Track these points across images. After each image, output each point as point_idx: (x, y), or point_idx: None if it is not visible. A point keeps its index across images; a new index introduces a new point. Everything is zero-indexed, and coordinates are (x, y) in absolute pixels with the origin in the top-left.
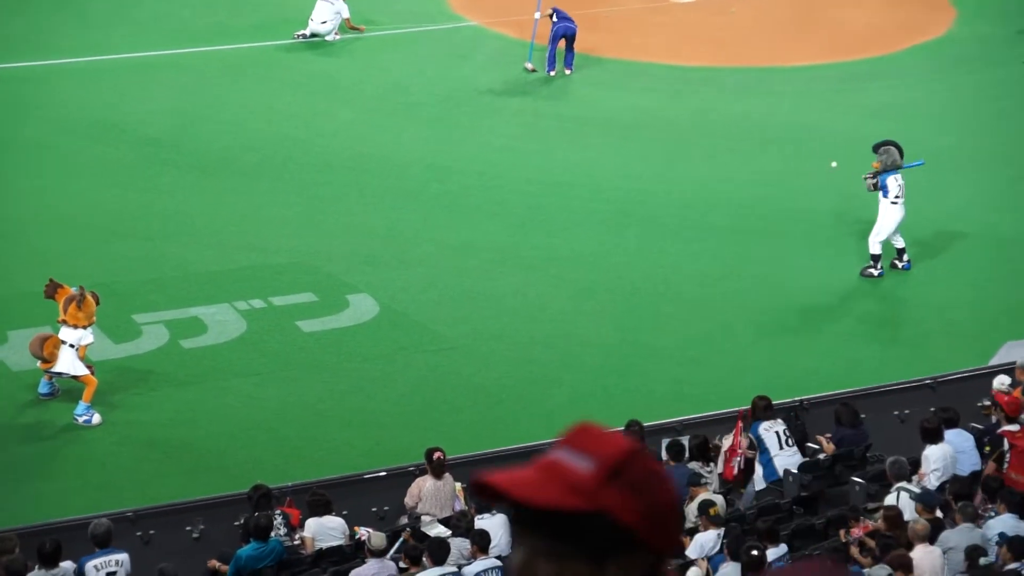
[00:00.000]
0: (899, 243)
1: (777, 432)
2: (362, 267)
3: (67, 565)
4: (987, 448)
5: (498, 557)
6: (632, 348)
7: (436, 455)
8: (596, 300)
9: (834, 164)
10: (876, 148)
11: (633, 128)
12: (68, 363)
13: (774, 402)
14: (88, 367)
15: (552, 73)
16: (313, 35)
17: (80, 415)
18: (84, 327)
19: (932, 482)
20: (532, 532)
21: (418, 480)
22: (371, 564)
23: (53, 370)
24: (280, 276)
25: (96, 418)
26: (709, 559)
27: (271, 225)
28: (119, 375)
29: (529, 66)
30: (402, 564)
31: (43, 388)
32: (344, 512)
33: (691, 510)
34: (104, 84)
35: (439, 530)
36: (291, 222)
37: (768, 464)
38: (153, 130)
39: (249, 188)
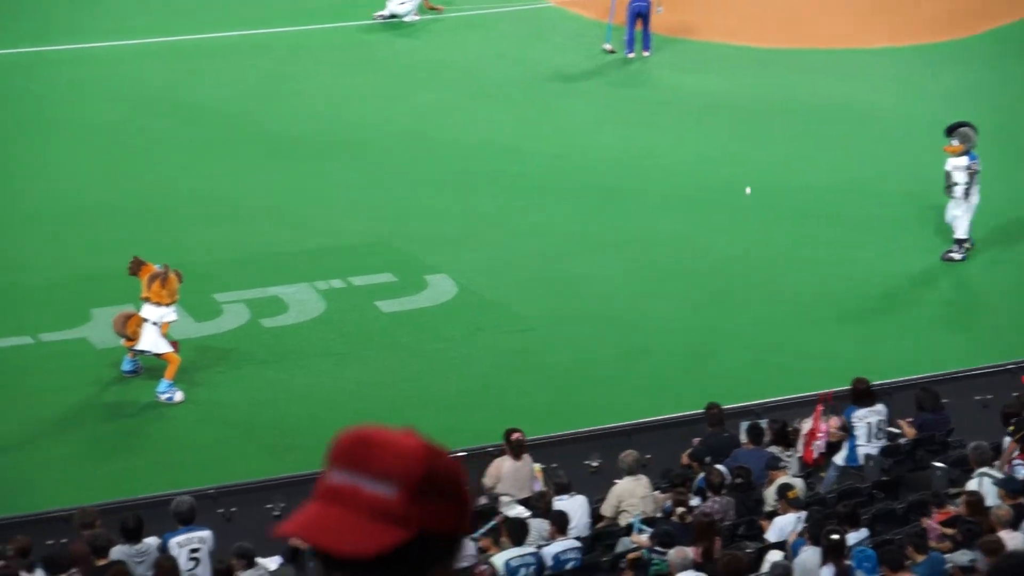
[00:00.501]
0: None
1: (870, 423)
2: (440, 248)
3: (151, 541)
4: None
5: (577, 538)
6: (710, 331)
7: (515, 436)
8: (673, 283)
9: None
10: (951, 131)
11: (709, 110)
12: (151, 341)
13: (850, 387)
14: (172, 344)
15: (631, 55)
16: (392, 16)
17: (162, 392)
18: (167, 305)
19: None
20: (345, 569)
21: (497, 461)
22: None
23: (136, 348)
24: (359, 256)
25: (178, 396)
26: (789, 543)
27: (350, 206)
28: (200, 354)
29: (608, 47)
30: (480, 544)
31: (126, 366)
32: None
33: (770, 493)
34: (182, 65)
35: (518, 511)
36: (370, 203)
37: (852, 451)
38: (231, 110)
39: (328, 169)
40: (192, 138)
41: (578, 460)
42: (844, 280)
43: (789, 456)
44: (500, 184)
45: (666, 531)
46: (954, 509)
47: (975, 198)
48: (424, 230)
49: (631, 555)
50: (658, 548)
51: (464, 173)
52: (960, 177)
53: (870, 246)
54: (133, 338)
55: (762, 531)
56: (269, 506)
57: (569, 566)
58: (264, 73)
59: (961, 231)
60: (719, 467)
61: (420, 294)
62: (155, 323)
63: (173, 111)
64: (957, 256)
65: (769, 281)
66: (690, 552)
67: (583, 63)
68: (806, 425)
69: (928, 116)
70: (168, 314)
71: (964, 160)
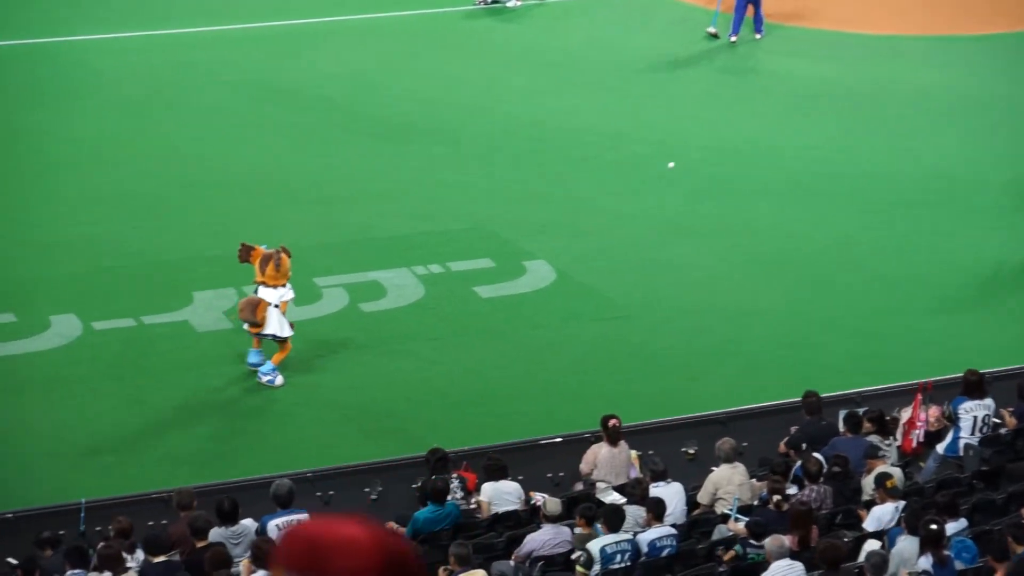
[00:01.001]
0: None
1: (976, 417)
2: (538, 234)
3: (247, 523)
4: None
5: (673, 525)
6: (808, 319)
7: (611, 422)
8: (771, 270)
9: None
10: None
11: (814, 98)
12: (276, 325)
13: (950, 376)
14: (290, 324)
15: (734, 39)
16: (495, 1)
17: (265, 374)
18: (283, 284)
19: None
20: None
21: (593, 447)
22: (546, 529)
23: (263, 332)
24: (458, 242)
25: (279, 380)
26: (886, 532)
27: (449, 191)
28: (299, 337)
29: (712, 30)
30: (577, 529)
31: (254, 358)
32: (520, 477)
33: (868, 483)
34: (282, 48)
35: (614, 497)
36: (469, 188)
37: (954, 441)
38: (332, 95)
39: (427, 154)
40: (294, 122)
41: (675, 447)
42: (945, 268)
43: (888, 445)
44: (598, 170)
45: (757, 522)
46: None
47: None
48: (523, 216)
49: (726, 556)
50: (752, 542)
51: (564, 159)
52: None
53: (973, 233)
54: (261, 324)
55: (860, 520)
56: (366, 490)
57: (665, 553)
58: (366, 58)
59: None
60: (816, 455)
61: (518, 280)
62: (276, 305)
63: (275, 95)
64: None
65: (869, 268)
66: (786, 540)
67: (686, 49)
68: (905, 414)
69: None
70: (286, 293)
71: None
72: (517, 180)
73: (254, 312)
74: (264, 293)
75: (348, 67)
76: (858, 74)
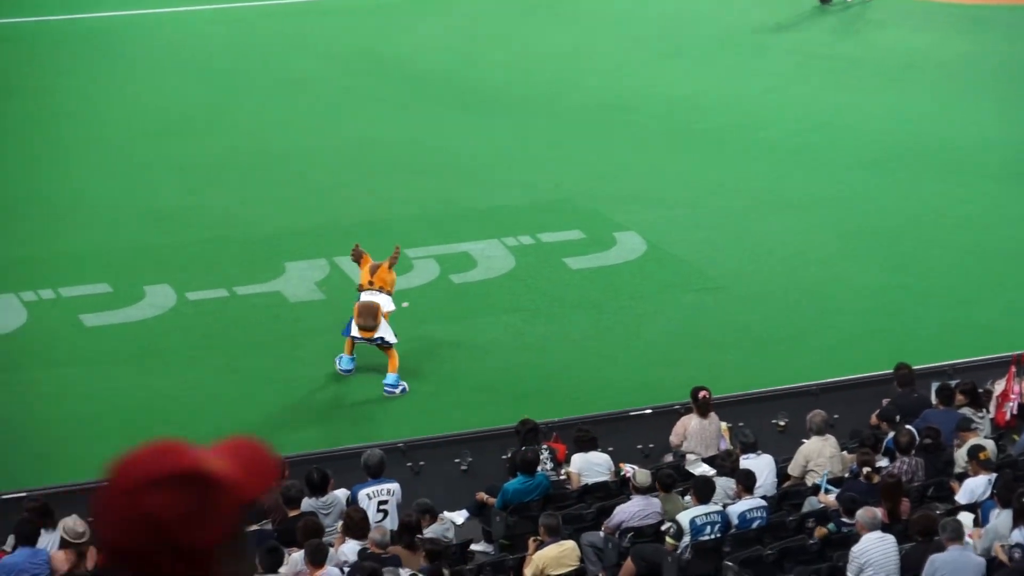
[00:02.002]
0: None
1: None
2: (629, 205)
3: (338, 493)
4: None
5: (763, 497)
6: (899, 291)
7: (701, 394)
8: (862, 242)
9: (405, 304)
10: None
11: (904, 68)
12: (386, 329)
13: None
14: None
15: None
16: None
17: (392, 386)
18: (388, 293)
19: None
20: None
21: (683, 419)
22: (636, 501)
23: (375, 337)
24: (548, 213)
25: (405, 385)
26: (979, 504)
27: (539, 162)
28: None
29: None
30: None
31: (346, 364)
32: (609, 449)
33: (960, 455)
34: (376, 20)
35: (703, 469)
36: (559, 160)
37: None
38: (424, 66)
39: (518, 125)
40: (388, 93)
41: (765, 419)
42: None
43: (981, 417)
44: (688, 142)
45: (852, 498)
46: None
47: None
48: (614, 187)
49: (818, 533)
50: (845, 519)
51: (653, 130)
52: None
53: None
54: (377, 327)
55: (952, 493)
56: (457, 460)
57: (755, 525)
58: (456, 29)
59: None
60: (908, 427)
61: (609, 251)
62: (385, 311)
63: (365, 65)
64: None
65: (962, 240)
66: (879, 512)
67: (777, 19)
68: (999, 387)
69: None
70: (388, 304)
71: None
72: (608, 151)
73: (375, 316)
74: (379, 298)
75: (439, 38)
76: (950, 45)
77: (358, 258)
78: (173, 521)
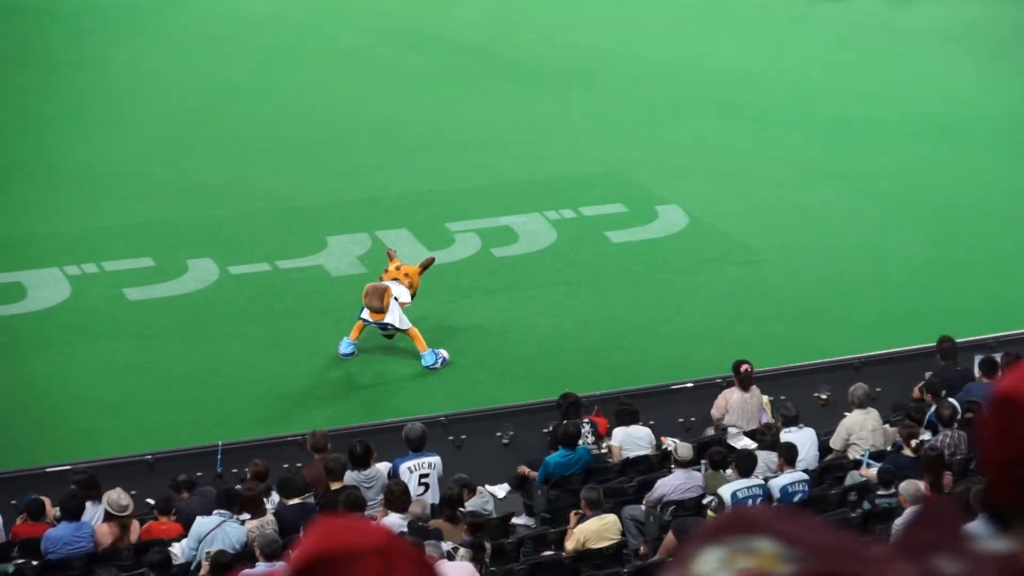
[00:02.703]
0: None
1: None
2: (671, 178)
3: (381, 467)
4: None
5: (805, 471)
6: (944, 263)
7: (743, 367)
8: (907, 214)
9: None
10: None
11: (951, 39)
12: (396, 315)
13: None
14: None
15: None
16: None
17: (430, 364)
18: (408, 285)
19: None
20: None
21: (725, 392)
22: (678, 474)
23: (384, 321)
24: (590, 186)
25: (445, 354)
26: None
27: (582, 135)
28: (432, 282)
29: None
30: (707, 471)
31: (346, 348)
32: (651, 422)
33: None
34: None
35: (745, 442)
36: (601, 132)
37: None
38: (467, 39)
39: (560, 98)
40: (426, 66)
41: (807, 392)
42: None
43: None
44: (732, 113)
45: (888, 470)
46: None
47: None
48: (655, 160)
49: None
50: (881, 491)
51: (696, 102)
52: None
53: None
54: (385, 310)
55: None
56: (498, 434)
57: (797, 498)
58: (500, 1)
59: None
60: (951, 400)
61: (650, 225)
62: (398, 299)
63: (408, 39)
64: None
65: (1007, 212)
66: (922, 485)
67: None
68: None
69: None
70: (406, 296)
71: None
72: (649, 123)
73: (381, 298)
74: (394, 287)
75: (482, 10)
76: (998, 14)
77: (389, 260)
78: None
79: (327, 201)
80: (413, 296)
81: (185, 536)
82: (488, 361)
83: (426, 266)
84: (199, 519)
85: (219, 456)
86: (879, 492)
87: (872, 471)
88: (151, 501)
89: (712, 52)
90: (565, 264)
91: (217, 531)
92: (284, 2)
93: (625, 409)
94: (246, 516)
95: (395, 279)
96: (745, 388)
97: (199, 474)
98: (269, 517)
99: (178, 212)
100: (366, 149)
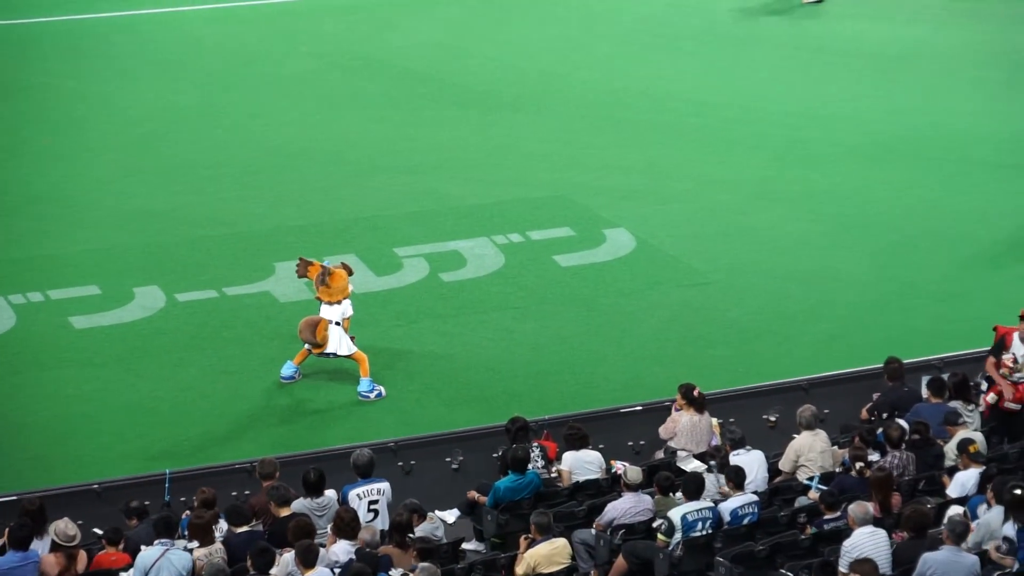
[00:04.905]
0: None
1: None
2: (619, 202)
3: (330, 494)
4: None
5: (755, 492)
6: (891, 284)
7: (696, 391)
8: (854, 236)
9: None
10: None
11: (898, 60)
12: (336, 343)
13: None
14: (351, 338)
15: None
16: None
17: (366, 392)
18: (338, 301)
19: None
20: None
21: (674, 415)
22: (627, 498)
23: (325, 352)
24: (538, 210)
25: (381, 389)
26: (967, 499)
27: (530, 159)
28: (380, 307)
29: None
30: (656, 495)
31: (288, 371)
32: (600, 446)
33: (950, 449)
34: (367, 18)
35: (694, 465)
36: (549, 156)
37: None
38: (415, 64)
39: (508, 122)
40: (374, 91)
41: (756, 414)
42: None
43: (971, 411)
44: (681, 136)
45: (830, 492)
46: None
47: None
48: (603, 183)
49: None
50: (827, 516)
51: (645, 126)
52: None
53: None
54: (322, 343)
55: (943, 486)
56: (448, 459)
57: (746, 521)
58: (448, 26)
59: None
60: (899, 421)
61: (598, 248)
62: (338, 323)
63: (356, 64)
64: None
65: (953, 232)
66: (871, 507)
67: (767, 12)
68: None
69: None
70: (346, 310)
71: None
72: (598, 148)
73: (314, 332)
74: (325, 310)
75: (431, 35)
76: (940, 36)
77: (304, 270)
78: None
79: (275, 227)
80: (348, 297)
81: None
82: (437, 386)
83: (347, 267)
84: (143, 551)
85: (167, 484)
86: (825, 516)
87: (819, 495)
88: (99, 531)
89: (660, 76)
90: (513, 288)
91: (161, 561)
92: (231, 28)
93: (575, 434)
94: (194, 544)
95: (329, 300)
96: (699, 411)
97: (147, 502)
98: (217, 545)
99: (124, 239)
100: (314, 174)
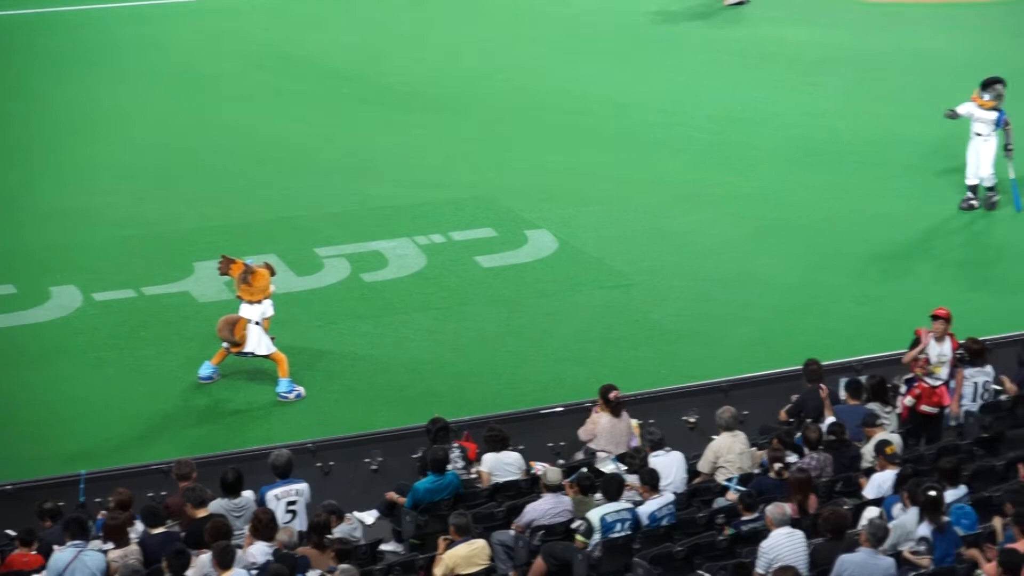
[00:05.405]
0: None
1: (977, 383)
2: (541, 203)
3: (248, 495)
4: None
5: (674, 493)
6: (812, 286)
7: (613, 394)
8: (777, 238)
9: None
10: (990, 84)
11: (818, 64)
12: (255, 342)
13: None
14: (271, 338)
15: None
16: None
17: (285, 392)
18: (259, 301)
19: None
20: None
21: (594, 416)
22: (547, 499)
23: (244, 351)
24: (460, 211)
25: (300, 389)
26: (884, 499)
27: (452, 160)
28: (301, 307)
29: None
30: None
31: (205, 371)
32: (520, 447)
33: (868, 450)
34: (290, 18)
35: (613, 467)
36: (472, 157)
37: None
38: (338, 64)
39: (431, 123)
40: (297, 91)
41: (676, 416)
42: (951, 236)
43: (888, 412)
44: (603, 138)
45: (748, 493)
46: None
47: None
48: (525, 184)
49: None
50: (744, 516)
51: (567, 127)
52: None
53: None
54: (241, 342)
55: (860, 488)
56: (367, 460)
57: (665, 522)
58: (372, 26)
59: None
60: (817, 423)
61: (520, 249)
62: (257, 323)
63: (279, 64)
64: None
65: (873, 238)
66: (788, 508)
67: (691, 15)
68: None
69: None
70: (266, 310)
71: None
72: (520, 149)
73: (232, 331)
74: (245, 309)
75: (354, 35)
76: (859, 41)
77: (226, 268)
78: None
79: (194, 226)
80: (269, 297)
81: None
82: (357, 386)
83: (270, 266)
84: (55, 553)
85: (82, 485)
86: (743, 518)
87: (737, 496)
88: (12, 532)
89: (583, 78)
90: (435, 289)
91: (75, 563)
92: (152, 27)
93: (495, 435)
94: (109, 545)
95: (250, 300)
96: (616, 414)
97: (62, 503)
98: (133, 547)
99: (41, 238)
100: (234, 174)
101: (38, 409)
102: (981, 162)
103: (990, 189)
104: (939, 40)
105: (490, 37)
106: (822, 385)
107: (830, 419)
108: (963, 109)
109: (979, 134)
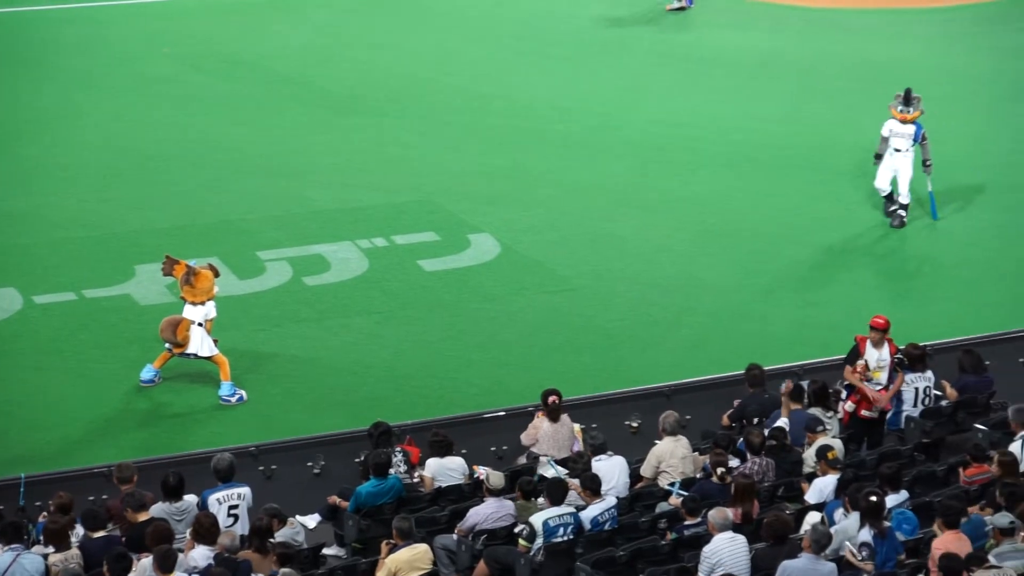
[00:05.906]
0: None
1: (917, 388)
2: (484, 207)
3: (192, 499)
4: None
5: (617, 497)
6: (752, 291)
7: (551, 399)
8: (717, 243)
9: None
10: (911, 97)
11: (758, 69)
12: (198, 343)
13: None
14: (214, 340)
15: (676, 6)
16: None
17: (228, 395)
18: (203, 302)
19: None
20: None
21: (535, 421)
22: (489, 503)
23: (186, 352)
24: (402, 215)
25: (242, 393)
26: (825, 504)
27: (395, 164)
28: (243, 311)
29: (675, 5)
30: (518, 500)
31: (147, 375)
32: (463, 451)
33: (809, 455)
34: (234, 20)
35: (555, 471)
36: (415, 161)
37: (896, 415)
38: (281, 67)
39: (374, 126)
40: (240, 94)
41: (618, 420)
42: (890, 240)
43: (829, 417)
44: (546, 143)
45: (692, 498)
46: (989, 467)
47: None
48: (468, 188)
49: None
50: (688, 521)
51: (510, 131)
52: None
53: (924, 206)
54: (183, 343)
55: (802, 492)
56: (309, 464)
57: (607, 527)
58: (315, 29)
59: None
60: (759, 428)
61: (463, 253)
62: (200, 324)
63: (222, 66)
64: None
65: (813, 241)
66: (730, 513)
67: (634, 21)
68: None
69: (988, 74)
70: (210, 311)
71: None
72: (463, 153)
73: (174, 332)
74: (188, 311)
75: (297, 38)
76: (801, 47)
77: (170, 269)
78: None
79: (136, 229)
80: (212, 298)
81: None
82: (299, 390)
83: (214, 268)
84: None
85: (22, 489)
86: (685, 522)
87: (680, 501)
88: None
89: (526, 82)
90: (377, 293)
91: (14, 567)
92: (93, 28)
93: (440, 440)
94: (50, 549)
95: (193, 301)
96: (554, 419)
97: (1, 507)
98: (74, 551)
99: None
100: (176, 177)
101: None
102: (900, 179)
103: (903, 207)
104: (880, 47)
105: (435, 41)
106: (788, 382)
107: (784, 419)
108: (885, 131)
109: (898, 149)
